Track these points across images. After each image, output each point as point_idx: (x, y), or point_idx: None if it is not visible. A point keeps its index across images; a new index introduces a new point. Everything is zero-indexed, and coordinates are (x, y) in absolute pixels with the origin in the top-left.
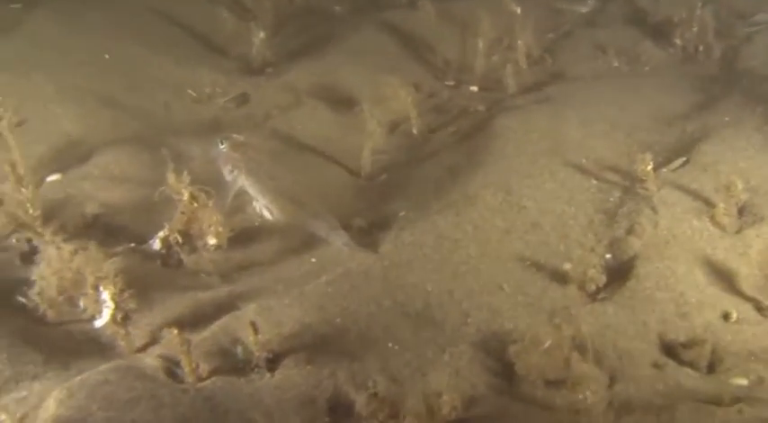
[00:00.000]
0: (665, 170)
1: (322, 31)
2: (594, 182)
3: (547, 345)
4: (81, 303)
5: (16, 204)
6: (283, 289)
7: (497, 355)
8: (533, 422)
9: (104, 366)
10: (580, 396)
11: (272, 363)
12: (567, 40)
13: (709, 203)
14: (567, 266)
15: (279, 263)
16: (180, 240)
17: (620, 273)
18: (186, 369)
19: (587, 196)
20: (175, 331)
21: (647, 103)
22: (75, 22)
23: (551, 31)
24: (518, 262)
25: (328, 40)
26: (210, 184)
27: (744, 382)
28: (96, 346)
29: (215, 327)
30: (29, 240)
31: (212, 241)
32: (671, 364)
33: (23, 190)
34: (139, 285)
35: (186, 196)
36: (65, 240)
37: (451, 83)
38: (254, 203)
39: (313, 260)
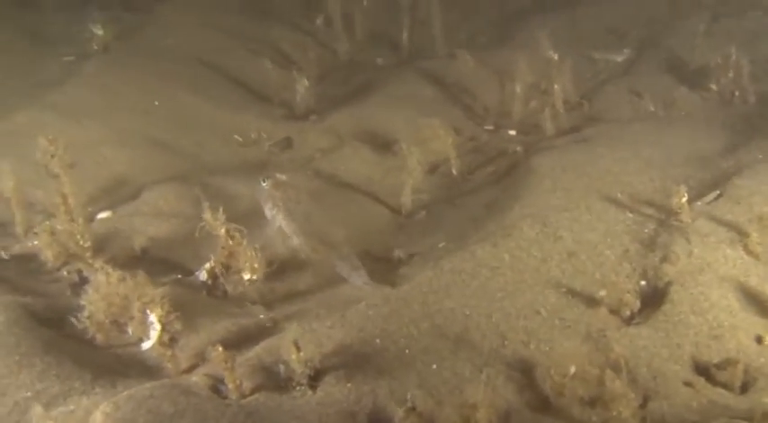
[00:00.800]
0: (699, 203)
1: (364, 80)
2: (630, 215)
3: (581, 365)
4: (128, 328)
5: (68, 236)
6: (325, 313)
7: (533, 375)
8: None
9: (150, 383)
10: (614, 413)
11: (314, 380)
12: (604, 86)
13: (742, 233)
14: (603, 293)
15: (320, 291)
16: (224, 272)
17: (654, 298)
18: (230, 385)
19: (622, 228)
20: (220, 348)
21: (682, 142)
22: (125, 72)
23: (587, 78)
24: (554, 289)
25: (370, 87)
26: (253, 221)
27: None
28: (143, 368)
29: (258, 348)
30: (79, 271)
31: (247, 276)
32: (704, 384)
33: (74, 223)
34: (185, 312)
35: (222, 233)
36: (114, 270)
37: (490, 127)
38: (289, 241)
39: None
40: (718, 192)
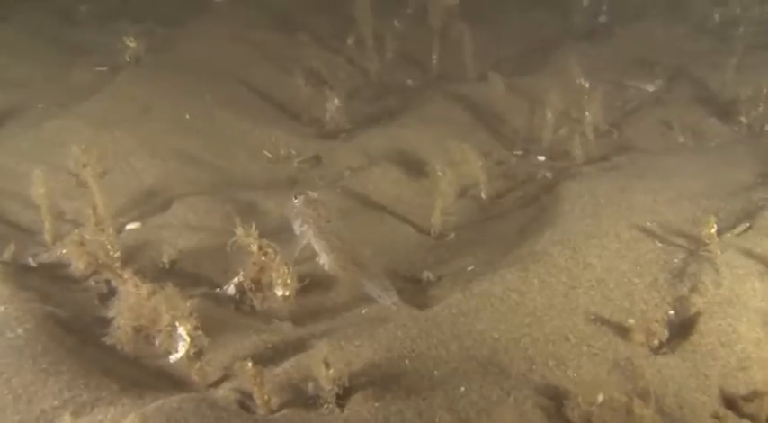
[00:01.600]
0: (728, 235)
1: (394, 101)
2: (659, 244)
3: (609, 392)
4: (156, 340)
5: (97, 246)
6: (353, 332)
7: (561, 401)
8: None
9: (178, 396)
10: None
11: (342, 399)
12: (634, 115)
13: None
14: (631, 321)
15: (348, 310)
16: (253, 288)
17: (682, 328)
18: (258, 401)
19: (651, 257)
20: (249, 363)
21: (713, 174)
22: (157, 85)
23: (617, 107)
24: (583, 315)
25: (400, 109)
26: (282, 236)
27: None
28: (170, 381)
29: (287, 364)
30: (107, 282)
31: (280, 292)
32: (731, 415)
33: (104, 232)
34: (214, 326)
35: (255, 248)
36: (143, 282)
37: (519, 152)
38: (318, 258)
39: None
40: (747, 224)
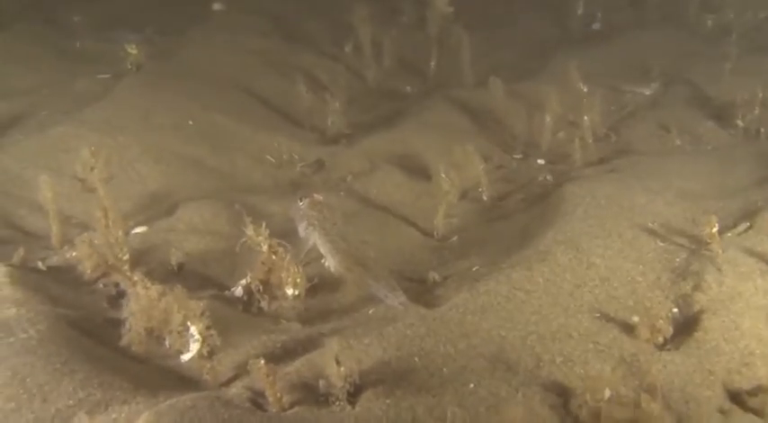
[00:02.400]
0: (729, 234)
1: (393, 106)
2: (661, 244)
3: (616, 388)
4: (167, 341)
5: (106, 248)
6: (363, 331)
7: (569, 398)
8: None
9: (192, 394)
10: None
11: (353, 396)
12: (632, 119)
13: None
14: (636, 319)
15: (355, 310)
16: (261, 289)
17: (686, 326)
18: (270, 399)
19: (654, 256)
20: (262, 361)
21: (711, 175)
22: (160, 92)
23: (614, 111)
24: (588, 313)
25: (400, 114)
26: (287, 239)
27: None
28: (181, 380)
29: (297, 363)
30: (116, 284)
31: (290, 291)
32: (736, 410)
33: (112, 235)
34: (222, 327)
35: (265, 248)
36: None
37: (519, 156)
38: (323, 260)
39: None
40: (747, 224)
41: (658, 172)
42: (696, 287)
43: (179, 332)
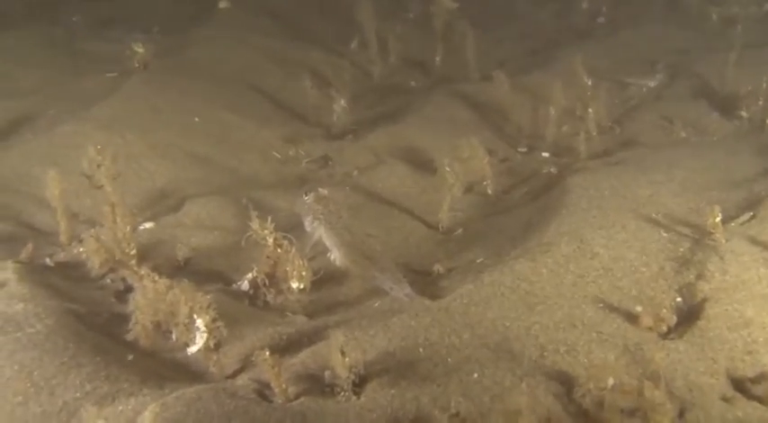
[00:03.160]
0: (732, 224)
1: (398, 101)
2: (665, 234)
3: (620, 376)
4: (174, 334)
5: (114, 243)
6: (368, 323)
7: (573, 386)
8: None
9: (198, 386)
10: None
11: (358, 387)
12: (636, 111)
13: None
14: (639, 308)
15: (360, 303)
16: (266, 283)
17: (689, 314)
18: (276, 390)
19: (658, 246)
20: (267, 352)
21: (715, 166)
22: (166, 89)
23: (618, 103)
24: (592, 303)
25: (405, 108)
26: (293, 233)
27: None
28: (188, 373)
29: (302, 355)
30: (123, 279)
31: (296, 284)
32: (740, 397)
33: (120, 230)
34: (229, 320)
35: (271, 242)
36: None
37: (524, 149)
38: (329, 254)
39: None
40: (751, 213)
41: (662, 163)
42: (699, 276)
43: (185, 325)
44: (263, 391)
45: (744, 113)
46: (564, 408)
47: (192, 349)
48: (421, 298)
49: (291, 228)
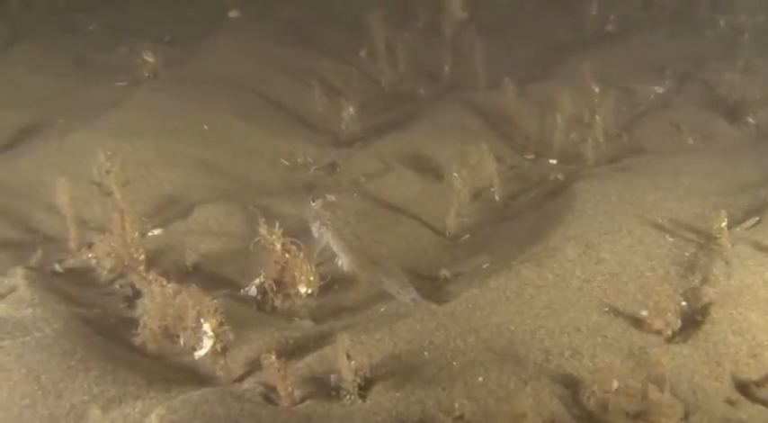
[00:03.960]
0: (738, 229)
1: (407, 109)
2: (670, 239)
3: (624, 380)
4: (181, 339)
5: (123, 249)
6: (373, 327)
7: (578, 389)
8: None
9: (204, 389)
10: None
11: (364, 390)
12: (644, 118)
13: None
14: (644, 313)
15: (367, 307)
16: (274, 288)
17: (694, 318)
18: (282, 393)
19: (663, 251)
20: (272, 356)
21: (721, 172)
22: (175, 98)
23: (626, 111)
24: (597, 308)
25: (413, 116)
26: (300, 239)
27: None
28: (195, 377)
29: (309, 358)
30: (132, 285)
31: (303, 289)
32: (744, 400)
33: (128, 236)
34: (236, 324)
35: (279, 247)
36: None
37: (531, 156)
38: (337, 259)
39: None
40: (757, 218)
41: (669, 169)
42: (704, 280)
43: (193, 329)
44: (269, 395)
45: (751, 120)
46: (568, 411)
47: (200, 353)
48: (427, 302)
49: (299, 234)
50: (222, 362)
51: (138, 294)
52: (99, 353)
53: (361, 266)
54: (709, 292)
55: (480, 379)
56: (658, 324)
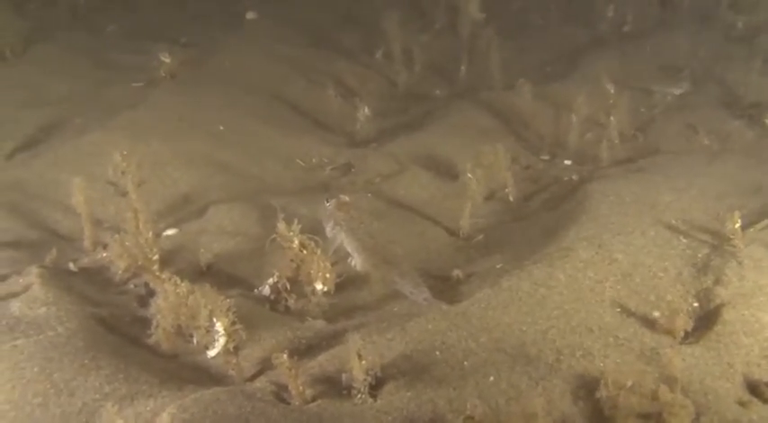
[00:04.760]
0: (751, 230)
1: (422, 110)
2: (683, 240)
3: (636, 380)
4: (194, 338)
5: (137, 248)
6: (385, 326)
7: (589, 389)
8: None
9: (216, 388)
10: None
11: (375, 389)
12: (660, 119)
13: None
14: (656, 314)
15: (380, 307)
16: (288, 287)
17: (706, 319)
18: (293, 392)
19: (676, 252)
20: (284, 355)
21: (736, 174)
22: (191, 99)
23: (643, 111)
24: (609, 308)
25: (429, 117)
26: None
27: None
28: (207, 376)
29: (321, 358)
30: (146, 285)
31: (320, 286)
32: (755, 401)
33: (143, 236)
34: (249, 324)
35: (296, 244)
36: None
37: (546, 157)
38: (350, 259)
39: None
40: None
41: (683, 170)
42: (717, 281)
43: (206, 329)
44: (280, 394)
45: (767, 122)
46: (579, 411)
47: (212, 352)
48: (439, 302)
49: (313, 234)
50: (234, 361)
51: (151, 294)
52: (111, 352)
53: (374, 266)
54: (722, 293)
55: (491, 379)
56: (670, 325)
